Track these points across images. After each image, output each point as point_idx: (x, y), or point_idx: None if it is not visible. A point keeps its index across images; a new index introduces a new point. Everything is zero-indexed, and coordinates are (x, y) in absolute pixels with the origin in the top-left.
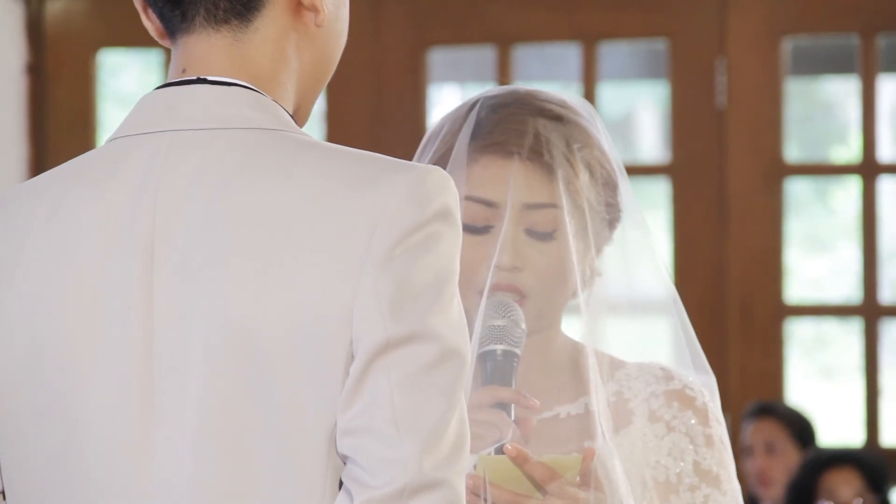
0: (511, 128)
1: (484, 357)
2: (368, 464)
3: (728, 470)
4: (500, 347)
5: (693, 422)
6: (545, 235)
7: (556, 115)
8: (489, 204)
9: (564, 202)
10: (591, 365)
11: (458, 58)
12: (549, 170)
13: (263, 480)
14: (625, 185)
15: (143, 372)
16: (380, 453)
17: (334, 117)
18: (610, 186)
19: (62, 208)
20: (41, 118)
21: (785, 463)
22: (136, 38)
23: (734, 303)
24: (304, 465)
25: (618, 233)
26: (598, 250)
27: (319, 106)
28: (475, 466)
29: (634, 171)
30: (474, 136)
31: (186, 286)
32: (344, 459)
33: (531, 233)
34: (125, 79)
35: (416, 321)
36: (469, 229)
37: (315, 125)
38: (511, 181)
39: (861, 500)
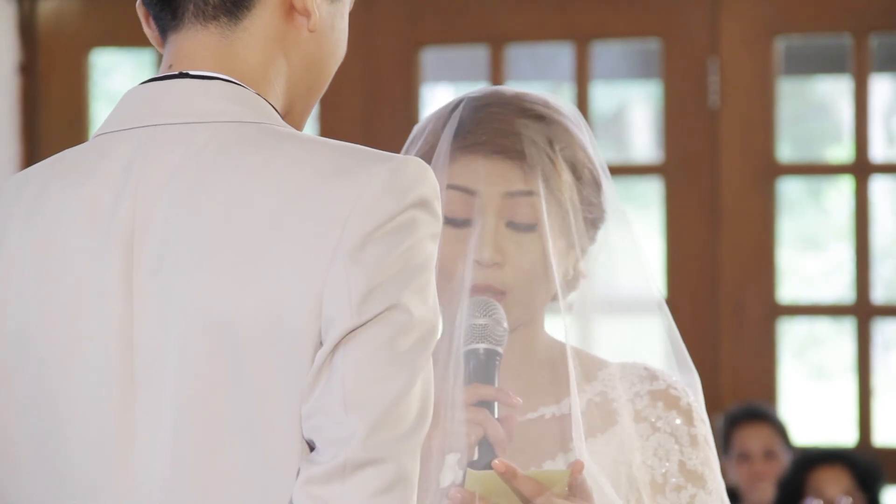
0: (493, 127)
1: (466, 356)
2: (320, 444)
3: (713, 469)
4: (482, 346)
5: (678, 422)
6: (526, 227)
7: (538, 115)
8: (468, 191)
9: (542, 192)
10: (571, 367)
11: (450, 57)
12: (528, 165)
13: (239, 469)
14: (609, 186)
15: (122, 364)
16: (329, 433)
17: (327, 116)
18: (593, 186)
19: (44, 202)
20: (34, 118)
21: (780, 468)
22: (128, 38)
23: (727, 302)
24: (277, 453)
25: (601, 233)
26: (583, 251)
27: None
28: (463, 481)
29: (627, 170)
30: (457, 135)
31: (164, 280)
32: (309, 444)
33: (512, 225)
34: (117, 78)
35: (384, 304)
36: (449, 222)
37: (308, 124)
38: (487, 174)
39: (850, 498)
